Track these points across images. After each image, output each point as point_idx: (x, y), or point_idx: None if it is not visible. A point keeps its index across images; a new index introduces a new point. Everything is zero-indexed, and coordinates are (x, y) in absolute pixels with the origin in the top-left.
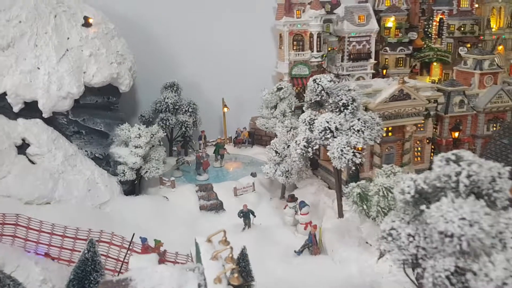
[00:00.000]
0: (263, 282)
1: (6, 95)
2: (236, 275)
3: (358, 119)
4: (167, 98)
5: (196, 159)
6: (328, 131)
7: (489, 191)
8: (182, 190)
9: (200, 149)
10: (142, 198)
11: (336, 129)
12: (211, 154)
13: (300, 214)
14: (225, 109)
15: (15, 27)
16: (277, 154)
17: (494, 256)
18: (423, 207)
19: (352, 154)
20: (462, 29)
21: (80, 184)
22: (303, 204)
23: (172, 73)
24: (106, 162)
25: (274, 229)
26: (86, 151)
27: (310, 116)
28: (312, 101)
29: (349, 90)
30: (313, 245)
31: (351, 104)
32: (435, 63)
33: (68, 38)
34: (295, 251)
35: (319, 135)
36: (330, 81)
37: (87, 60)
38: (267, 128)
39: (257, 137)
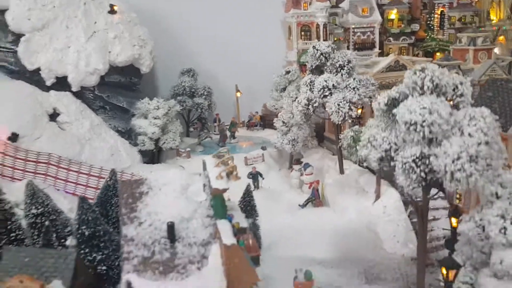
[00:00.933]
0: (270, 229)
1: (40, 70)
2: (235, 173)
3: (354, 78)
4: (184, 82)
5: (220, 132)
6: (326, 89)
7: (453, 97)
8: (197, 160)
9: (219, 124)
10: (160, 166)
11: (334, 86)
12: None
13: (305, 174)
14: (238, 94)
15: (49, 11)
16: (284, 124)
17: (452, 139)
18: (394, 110)
19: (348, 108)
20: (462, 20)
21: (104, 150)
22: (307, 165)
23: (190, 62)
24: (128, 136)
25: (281, 192)
26: (110, 124)
27: (310, 79)
28: (313, 66)
29: (345, 54)
30: (315, 199)
31: (347, 65)
32: (438, 53)
33: (95, 22)
34: (299, 205)
35: (318, 93)
36: (328, 46)
37: (112, 42)
38: (276, 109)
39: (268, 122)
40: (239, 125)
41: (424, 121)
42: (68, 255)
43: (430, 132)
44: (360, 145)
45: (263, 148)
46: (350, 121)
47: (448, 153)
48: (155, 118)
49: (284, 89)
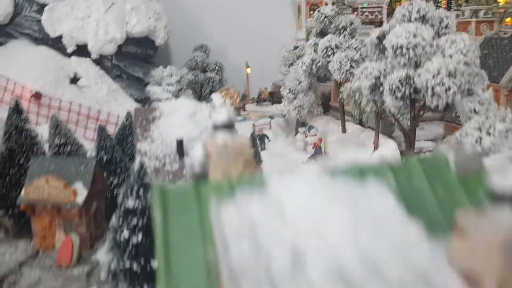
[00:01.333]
0: None
1: (62, 37)
2: (237, 100)
3: (356, 39)
4: (197, 57)
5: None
6: (329, 49)
7: (439, 29)
8: None
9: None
10: None
11: (336, 46)
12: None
13: (309, 136)
14: (248, 70)
15: None
16: (291, 91)
17: (434, 58)
18: (384, 41)
19: (349, 65)
20: (469, 1)
21: (121, 113)
22: (311, 127)
23: (203, 38)
24: (143, 104)
25: (286, 153)
26: (126, 92)
27: (314, 41)
28: (318, 30)
29: (348, 17)
30: (318, 155)
31: (350, 26)
32: None
33: None
34: (302, 162)
35: (322, 53)
36: (332, 10)
37: (129, 13)
38: (284, 83)
39: (277, 98)
40: (248, 100)
41: (409, 43)
42: (88, 162)
43: (415, 54)
44: (354, 79)
45: (271, 117)
46: (351, 78)
47: (429, 70)
48: (169, 85)
49: (292, 64)
